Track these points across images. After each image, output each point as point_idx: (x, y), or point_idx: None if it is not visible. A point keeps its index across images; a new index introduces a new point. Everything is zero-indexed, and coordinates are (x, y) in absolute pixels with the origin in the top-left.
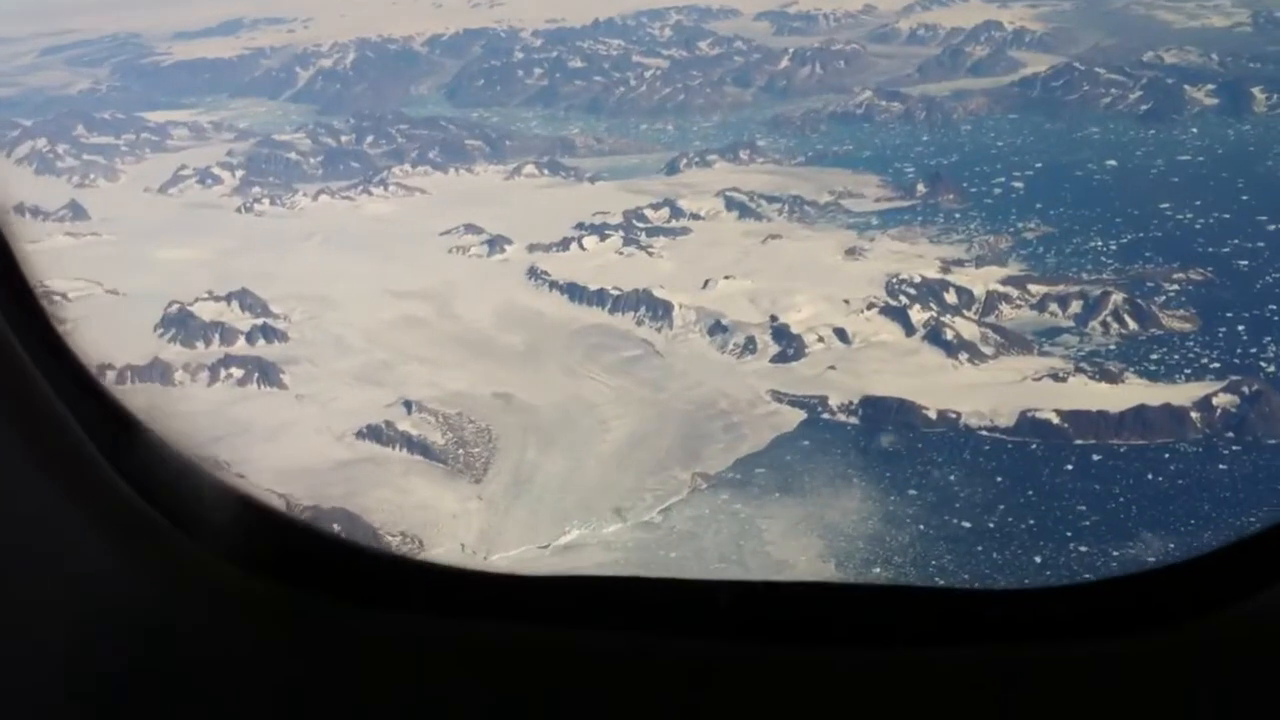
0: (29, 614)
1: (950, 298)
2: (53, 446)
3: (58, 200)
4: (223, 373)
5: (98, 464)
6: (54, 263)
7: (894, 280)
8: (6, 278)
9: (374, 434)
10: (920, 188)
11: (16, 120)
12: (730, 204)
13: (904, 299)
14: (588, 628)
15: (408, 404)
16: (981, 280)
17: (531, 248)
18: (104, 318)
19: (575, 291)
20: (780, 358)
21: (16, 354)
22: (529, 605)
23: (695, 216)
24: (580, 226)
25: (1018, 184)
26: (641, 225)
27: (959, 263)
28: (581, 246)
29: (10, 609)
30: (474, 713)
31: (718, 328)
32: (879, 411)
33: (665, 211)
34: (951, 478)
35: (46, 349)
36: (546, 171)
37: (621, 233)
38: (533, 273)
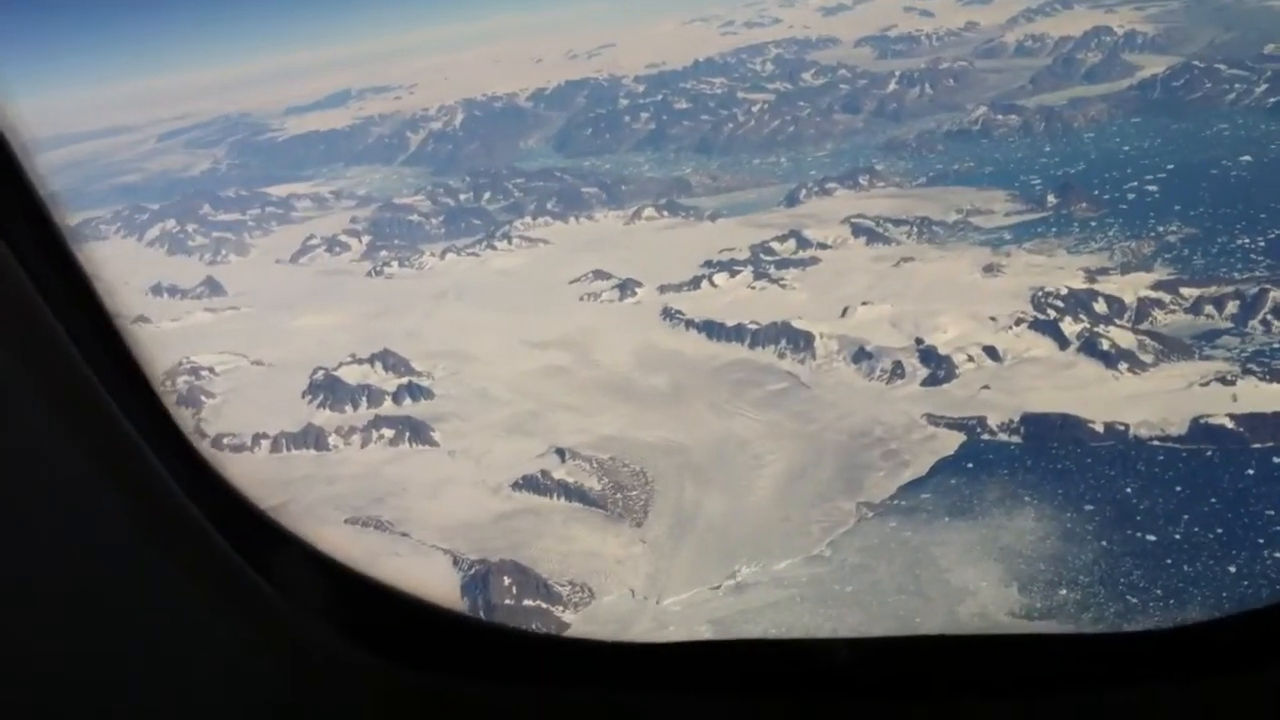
0: (171, 701)
1: (1100, 307)
2: (185, 545)
3: (193, 278)
4: (375, 434)
5: (231, 560)
6: (197, 338)
7: (1039, 294)
8: (129, 377)
9: (530, 484)
10: (1051, 198)
11: (144, 204)
12: (857, 230)
13: (1052, 312)
14: (706, 691)
15: (560, 452)
16: (1130, 287)
17: (662, 289)
18: (253, 388)
19: (712, 329)
20: (931, 380)
21: (145, 454)
22: (650, 672)
23: (823, 245)
24: (708, 264)
25: (1152, 187)
26: (769, 258)
27: (1103, 271)
28: (712, 284)
29: (150, 697)
30: None
31: (862, 355)
32: (1042, 428)
33: (792, 243)
34: (1128, 490)
35: (174, 449)
36: (666, 213)
37: (750, 267)
38: (667, 313)
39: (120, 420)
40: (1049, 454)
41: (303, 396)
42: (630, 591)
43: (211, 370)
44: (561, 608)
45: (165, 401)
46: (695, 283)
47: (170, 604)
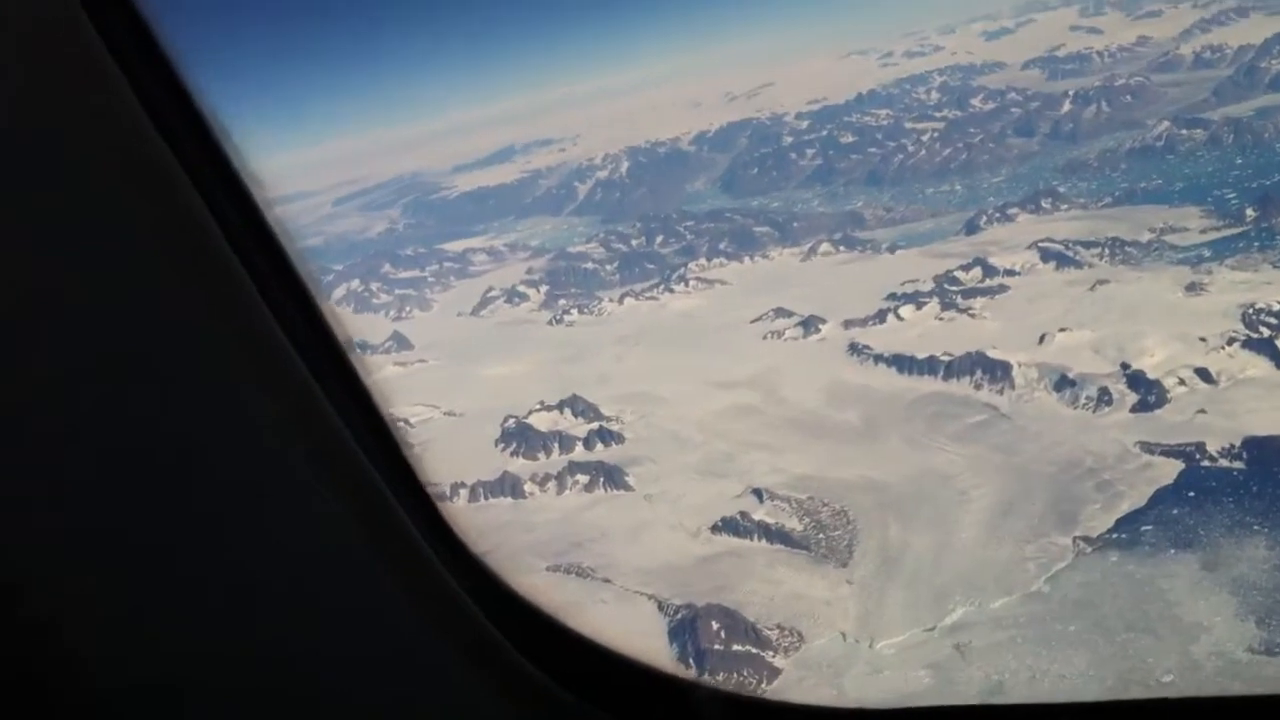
0: None
1: None
2: (432, 604)
3: (381, 334)
4: (569, 480)
5: (499, 644)
6: (389, 391)
7: (1249, 311)
8: (373, 421)
9: (730, 526)
10: (1250, 212)
11: (328, 265)
12: (1046, 255)
13: (1266, 330)
14: None
15: (758, 492)
16: None
17: (847, 324)
18: (447, 438)
19: (902, 362)
20: (1141, 406)
21: (393, 505)
22: None
23: (1010, 272)
24: (891, 297)
25: None
26: (955, 288)
27: None
28: (898, 316)
29: None
30: None
31: (1064, 382)
32: (1267, 452)
33: (977, 271)
34: None
35: (428, 523)
36: (842, 247)
37: (936, 298)
38: (854, 348)
39: (367, 468)
40: (1276, 479)
41: (496, 445)
42: (841, 635)
43: (407, 422)
44: (771, 652)
45: (409, 453)
46: (880, 316)
47: (424, 673)
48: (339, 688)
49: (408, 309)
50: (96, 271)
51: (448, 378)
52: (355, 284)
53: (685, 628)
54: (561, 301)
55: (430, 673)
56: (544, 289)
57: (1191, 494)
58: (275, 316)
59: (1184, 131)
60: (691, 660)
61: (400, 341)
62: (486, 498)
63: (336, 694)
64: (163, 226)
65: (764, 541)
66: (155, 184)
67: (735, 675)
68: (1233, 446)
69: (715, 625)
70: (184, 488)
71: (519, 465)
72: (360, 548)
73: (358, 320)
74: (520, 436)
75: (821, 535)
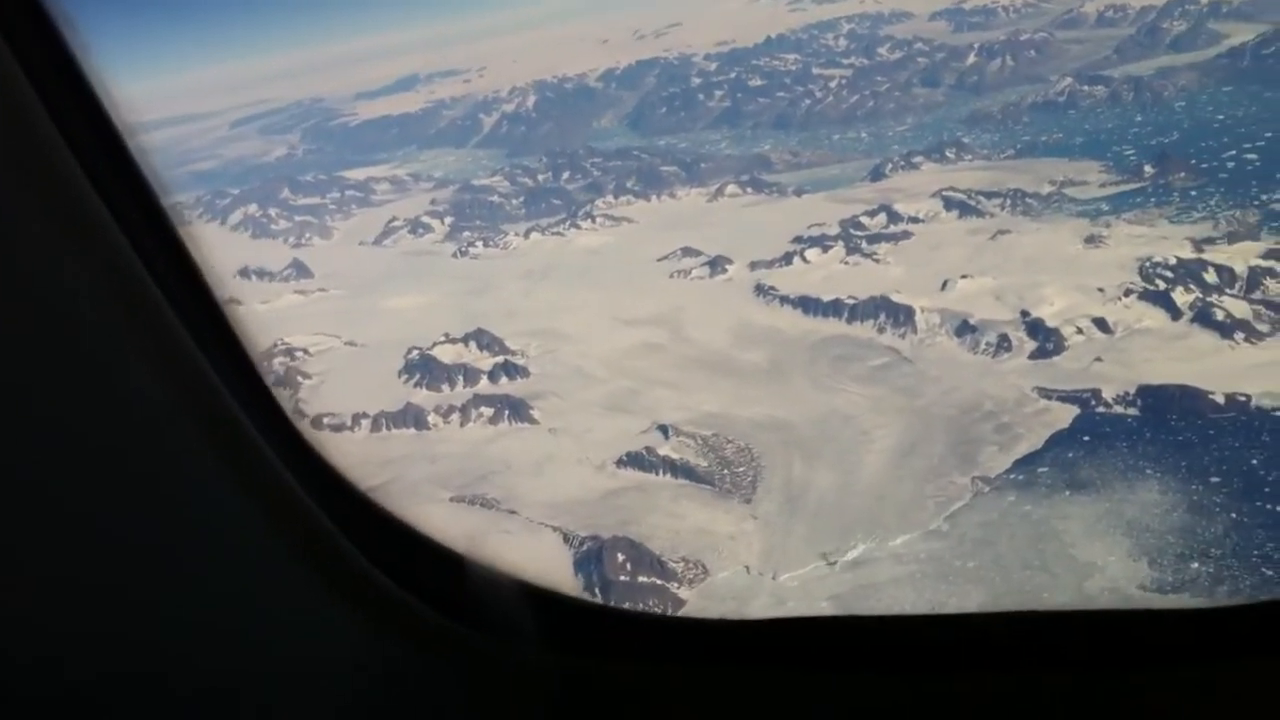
0: (272, 674)
1: (1210, 277)
2: (290, 524)
3: (280, 261)
4: (474, 413)
5: (336, 540)
6: (289, 320)
7: (1146, 264)
8: (230, 351)
9: (635, 461)
10: (1147, 169)
11: (225, 189)
12: (949, 204)
13: (1162, 282)
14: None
15: (663, 429)
16: (1240, 256)
17: (753, 265)
18: (348, 369)
19: (808, 304)
20: (1039, 353)
21: (248, 430)
22: (753, 648)
23: (914, 219)
24: (798, 240)
25: (1251, 156)
26: (860, 233)
27: (1209, 241)
28: (804, 259)
29: (255, 675)
30: None
31: (965, 328)
32: (1160, 400)
33: (882, 217)
34: (1254, 462)
35: (276, 427)
36: (749, 189)
37: (842, 242)
38: (760, 289)
39: (223, 393)
40: (1169, 426)
41: (399, 376)
42: (745, 568)
43: (306, 351)
44: (677, 584)
45: (265, 378)
46: (786, 258)
47: (276, 583)
48: (185, 598)
49: (307, 236)
50: None
51: (349, 308)
52: (253, 209)
53: (591, 559)
54: (466, 234)
55: (273, 577)
56: (448, 221)
57: (1086, 438)
58: (132, 245)
59: (1085, 88)
60: (598, 590)
61: (300, 269)
62: (390, 428)
63: (180, 600)
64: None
65: (669, 476)
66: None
67: (640, 605)
68: (1127, 394)
69: (621, 557)
70: (48, 426)
71: (422, 397)
72: (206, 458)
73: (256, 246)
74: (424, 368)
75: (726, 471)
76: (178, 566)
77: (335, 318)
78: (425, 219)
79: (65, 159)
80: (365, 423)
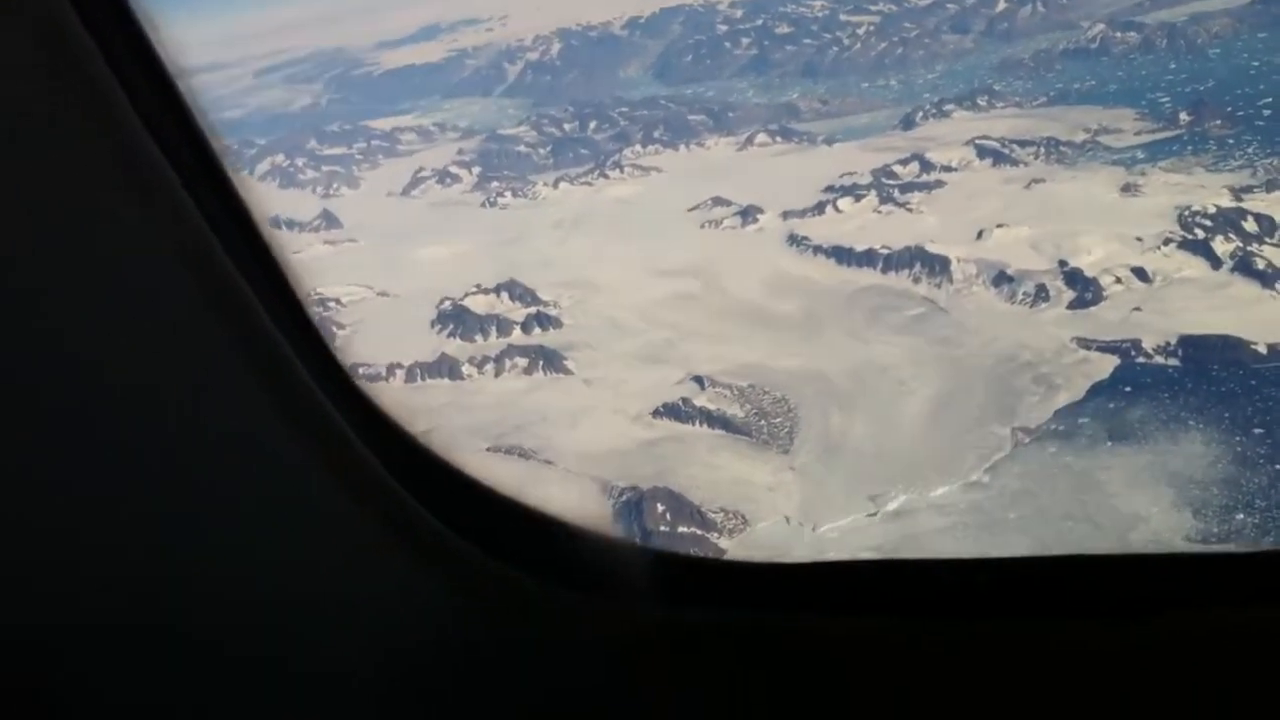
0: (326, 630)
1: (1250, 226)
2: (340, 466)
3: (309, 211)
4: (508, 363)
5: (387, 483)
6: (321, 271)
7: (1185, 213)
8: (280, 292)
9: (672, 412)
10: (1183, 116)
11: (251, 139)
12: (982, 152)
13: (1201, 231)
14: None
15: (699, 379)
16: (1279, 205)
17: (785, 215)
18: (381, 319)
19: (842, 254)
20: (1078, 303)
21: (299, 371)
22: (797, 592)
23: (947, 168)
24: (830, 189)
25: None
26: (892, 182)
27: (1248, 189)
28: (836, 209)
29: (303, 614)
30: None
31: (1003, 278)
32: (1201, 350)
33: (915, 166)
34: None
35: (326, 372)
36: (779, 138)
37: (874, 191)
38: (793, 239)
39: (275, 336)
40: (1210, 376)
41: (431, 327)
42: (785, 518)
43: (338, 302)
44: (716, 534)
45: (317, 324)
46: (819, 208)
47: (328, 526)
48: (248, 559)
49: (335, 186)
50: None
51: (380, 258)
52: (280, 159)
53: (630, 509)
54: (494, 184)
55: (338, 535)
56: (476, 171)
57: (1127, 389)
58: (184, 186)
59: (1118, 34)
60: (637, 541)
61: (329, 220)
62: (424, 379)
63: (245, 563)
64: (68, 97)
65: (706, 427)
66: (61, 52)
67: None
68: (1168, 344)
69: (660, 508)
70: (100, 370)
71: (455, 347)
72: (272, 419)
73: (284, 196)
74: (456, 319)
75: (763, 422)
76: (228, 505)
77: (366, 268)
78: (453, 169)
79: (119, 101)
80: (400, 373)
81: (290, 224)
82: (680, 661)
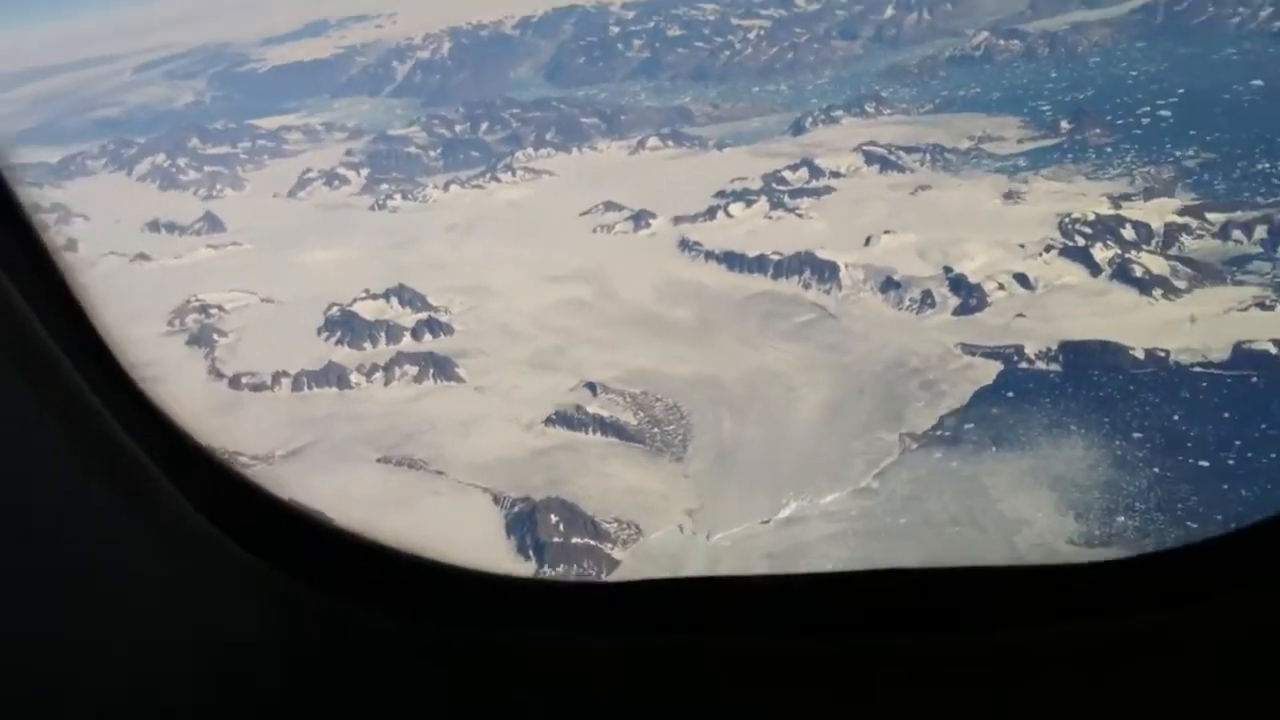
0: (99, 629)
1: (1128, 233)
2: (107, 461)
3: (191, 214)
4: (397, 371)
5: (157, 481)
6: (203, 275)
7: (1066, 220)
8: (67, 309)
9: (564, 420)
10: (1064, 124)
11: (130, 138)
12: (870, 158)
13: (1081, 239)
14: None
15: (591, 386)
16: (1156, 213)
17: (677, 220)
18: (266, 326)
19: (733, 260)
20: (963, 309)
21: (62, 363)
22: (591, 612)
23: (836, 174)
24: (721, 194)
25: (1165, 112)
26: (783, 188)
27: (1126, 197)
28: (728, 214)
29: (79, 624)
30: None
31: (890, 284)
32: (1081, 356)
33: (804, 172)
34: (1175, 417)
35: (94, 360)
36: (671, 143)
37: (765, 197)
38: (684, 244)
39: (58, 355)
40: (1090, 382)
41: (319, 333)
42: (679, 527)
43: (221, 308)
44: (610, 544)
45: (105, 336)
46: (710, 213)
47: (110, 537)
48: (54, 602)
49: (219, 188)
50: None
51: (265, 262)
52: (161, 159)
53: (523, 520)
54: (384, 186)
55: (145, 574)
56: (364, 172)
57: (1010, 395)
58: None
59: (1001, 42)
60: (531, 552)
61: (212, 222)
62: (311, 388)
63: (51, 606)
64: None
65: (599, 435)
66: None
67: (575, 567)
68: (1050, 350)
69: (554, 518)
70: None
71: (344, 355)
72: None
73: (165, 198)
74: (345, 325)
75: (656, 430)
76: (24, 548)
77: (251, 273)
78: (340, 170)
79: None
80: (286, 381)
81: (171, 227)
82: (491, 679)
